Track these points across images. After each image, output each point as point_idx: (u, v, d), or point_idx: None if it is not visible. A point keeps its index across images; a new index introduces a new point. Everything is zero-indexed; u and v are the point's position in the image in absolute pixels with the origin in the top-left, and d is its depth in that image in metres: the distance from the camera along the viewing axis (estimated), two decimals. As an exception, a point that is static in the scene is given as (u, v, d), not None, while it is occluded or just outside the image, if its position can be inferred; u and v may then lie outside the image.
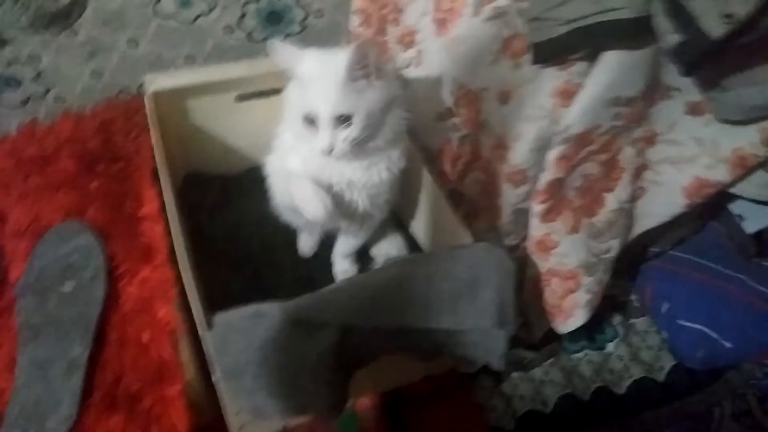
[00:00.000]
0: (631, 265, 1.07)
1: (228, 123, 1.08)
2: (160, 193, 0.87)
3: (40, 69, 1.05)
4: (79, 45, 1.03)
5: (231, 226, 1.09)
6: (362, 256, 1.02)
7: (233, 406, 0.75)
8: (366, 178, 0.82)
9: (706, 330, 0.98)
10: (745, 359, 1.00)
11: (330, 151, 0.76)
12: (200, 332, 0.73)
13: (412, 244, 1.02)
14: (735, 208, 1.05)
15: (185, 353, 0.79)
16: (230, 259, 1.06)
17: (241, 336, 0.69)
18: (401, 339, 0.74)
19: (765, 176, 0.84)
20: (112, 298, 0.82)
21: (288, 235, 1.05)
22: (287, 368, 0.68)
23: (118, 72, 1.09)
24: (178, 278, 0.82)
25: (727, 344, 0.97)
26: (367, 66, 0.73)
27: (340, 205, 0.84)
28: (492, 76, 0.85)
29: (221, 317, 0.71)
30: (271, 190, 0.93)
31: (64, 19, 1.00)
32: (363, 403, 0.94)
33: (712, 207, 1.05)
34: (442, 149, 1.01)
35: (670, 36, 0.63)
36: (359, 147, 0.77)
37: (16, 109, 1.09)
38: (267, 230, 1.07)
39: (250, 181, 1.11)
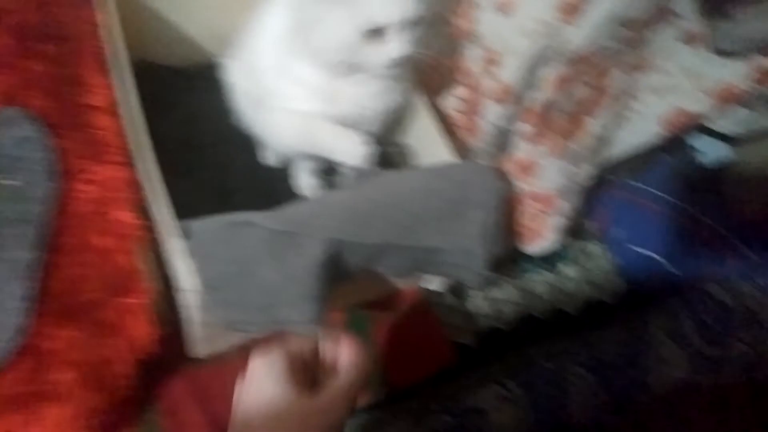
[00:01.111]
0: (590, 191, 1.09)
1: (184, 8, 0.96)
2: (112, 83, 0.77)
3: None
4: None
5: (184, 126, 1.00)
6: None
7: (206, 319, 0.70)
8: (383, 104, 0.77)
9: (656, 256, 1.03)
10: (686, 284, 1.06)
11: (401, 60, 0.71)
12: (165, 240, 0.67)
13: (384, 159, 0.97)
14: (693, 141, 1.08)
15: (148, 262, 0.73)
16: (182, 163, 0.98)
17: (222, 245, 0.64)
18: (387, 255, 0.72)
19: (741, 112, 0.86)
20: (63, 199, 0.73)
21: (246, 142, 0.97)
22: (272, 281, 0.64)
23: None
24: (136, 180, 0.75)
25: (672, 269, 1.03)
26: None
27: None
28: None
29: (200, 225, 0.66)
30: (274, 133, 0.84)
31: None
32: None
33: (672, 139, 1.07)
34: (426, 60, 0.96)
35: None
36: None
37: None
38: (224, 134, 0.99)
39: (207, 78, 1.01)
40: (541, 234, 0.91)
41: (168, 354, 0.80)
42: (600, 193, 1.11)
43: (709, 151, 1.06)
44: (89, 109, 0.79)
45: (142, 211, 0.75)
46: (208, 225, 0.66)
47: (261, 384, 0.55)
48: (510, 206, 0.92)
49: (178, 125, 1.00)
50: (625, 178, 1.09)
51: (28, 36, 0.81)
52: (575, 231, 1.10)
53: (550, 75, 0.78)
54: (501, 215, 0.75)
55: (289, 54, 0.76)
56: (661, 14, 0.77)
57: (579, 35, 0.75)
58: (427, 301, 0.95)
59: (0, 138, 0.74)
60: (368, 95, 0.78)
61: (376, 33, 0.70)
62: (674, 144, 1.11)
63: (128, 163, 0.76)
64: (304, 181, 0.96)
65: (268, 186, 0.98)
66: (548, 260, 1.05)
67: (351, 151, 0.75)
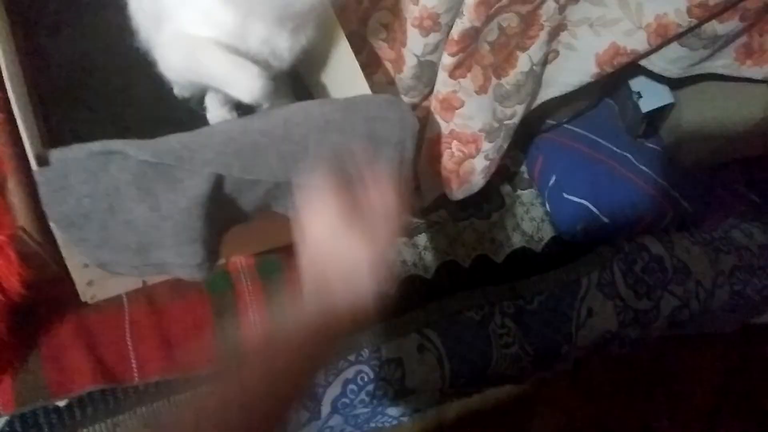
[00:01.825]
0: (524, 135, 1.04)
1: None
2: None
3: None
4: None
5: (78, 49, 0.89)
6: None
7: (77, 260, 0.63)
8: (292, 43, 0.68)
9: (588, 204, 0.99)
10: (619, 235, 1.03)
11: None
12: (33, 169, 0.59)
13: (300, 92, 0.89)
14: (634, 84, 1.03)
15: (16, 195, 0.65)
16: (77, 90, 0.88)
17: (86, 177, 0.56)
18: (283, 195, 0.65)
19: (678, 50, 0.81)
20: None
21: (148, 66, 0.88)
22: (143, 219, 0.57)
23: None
24: (7, 103, 0.66)
25: (605, 219, 0.99)
26: None
27: None
28: None
29: (60, 152, 0.57)
30: (162, 58, 0.74)
31: None
32: (235, 263, 0.85)
33: (612, 81, 1.02)
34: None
35: None
36: None
37: None
38: (123, 59, 0.89)
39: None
40: (467, 178, 0.85)
41: (47, 296, 0.73)
42: (534, 136, 1.06)
43: (650, 95, 1.01)
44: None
45: (16, 138, 0.66)
46: (68, 153, 0.58)
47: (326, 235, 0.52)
48: (432, 148, 0.86)
49: (73, 48, 0.90)
50: (560, 120, 1.04)
51: None
52: (508, 176, 1.06)
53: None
54: (412, 154, 0.69)
55: None
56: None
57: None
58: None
59: None
60: (280, 33, 0.69)
61: None
62: (613, 86, 1.06)
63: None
64: (214, 113, 0.87)
65: (176, 117, 0.89)
66: (478, 206, 1.00)
67: (245, 84, 0.65)
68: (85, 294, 0.75)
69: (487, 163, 0.84)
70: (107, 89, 0.88)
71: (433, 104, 0.82)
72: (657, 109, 1.01)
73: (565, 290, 1.01)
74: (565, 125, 1.06)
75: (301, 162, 0.63)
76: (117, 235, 0.58)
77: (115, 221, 0.57)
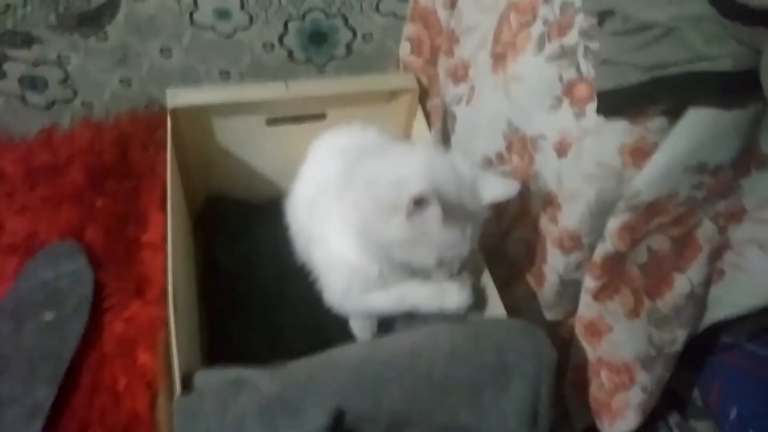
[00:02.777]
0: (696, 354, 0.91)
1: (256, 147, 0.99)
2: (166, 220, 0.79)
3: (68, 72, 0.99)
4: (109, 50, 0.97)
5: (245, 259, 1.00)
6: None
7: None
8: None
9: (786, 446, 0.82)
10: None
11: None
12: (175, 390, 0.63)
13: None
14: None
15: (164, 411, 0.69)
16: (240, 294, 0.97)
17: (217, 406, 0.58)
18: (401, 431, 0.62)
19: None
20: (92, 335, 0.73)
21: (305, 275, 0.94)
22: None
23: (148, 82, 1.02)
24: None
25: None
26: None
27: None
28: (550, 122, 0.73)
29: (202, 376, 0.61)
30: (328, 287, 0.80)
31: (94, 20, 0.94)
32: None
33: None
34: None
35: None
36: None
37: (41, 111, 1.04)
38: (284, 267, 0.97)
39: (274, 212, 1.01)
40: (620, 413, 0.75)
41: None
42: (710, 358, 0.93)
43: None
44: (140, 245, 0.80)
45: (168, 356, 0.73)
46: (208, 378, 0.61)
47: None
48: (579, 375, 0.78)
49: (242, 259, 1.01)
50: (739, 340, 0.90)
51: (99, 173, 0.86)
52: (678, 403, 0.92)
53: (614, 224, 0.68)
54: (551, 390, 0.63)
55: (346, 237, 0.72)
56: (753, 159, 0.65)
57: (647, 181, 0.64)
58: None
59: (51, 270, 0.77)
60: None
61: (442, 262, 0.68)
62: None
63: (163, 302, 0.74)
64: (359, 322, 0.89)
65: (322, 327, 0.93)
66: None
67: (456, 299, 0.71)
68: None
69: (645, 396, 0.74)
70: (265, 297, 0.96)
71: (578, 327, 0.76)
72: None
73: None
74: (746, 345, 0.92)
75: (427, 398, 0.60)
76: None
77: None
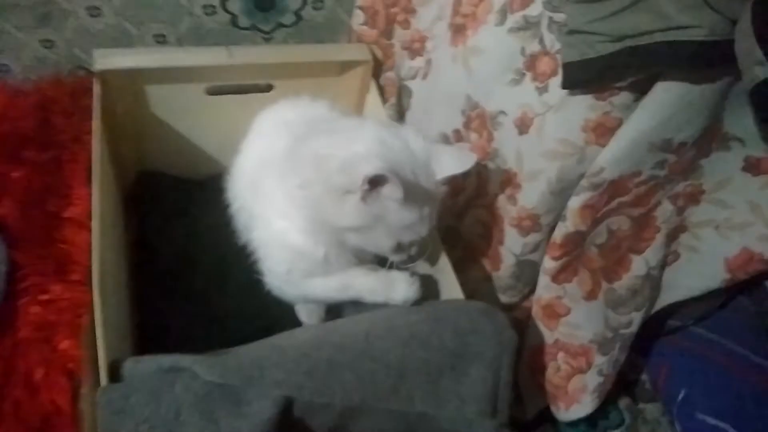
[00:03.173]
0: (644, 338, 0.91)
1: (195, 118, 0.92)
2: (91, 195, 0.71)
3: (-20, 30, 0.89)
4: (29, 5, 0.87)
5: (183, 240, 0.92)
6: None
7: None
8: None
9: (728, 428, 0.82)
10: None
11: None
12: (101, 381, 0.56)
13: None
14: (774, 283, 0.89)
15: (88, 404, 0.62)
16: (176, 277, 0.90)
17: (149, 398, 0.52)
18: (361, 420, 0.58)
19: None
20: (5, 320, 0.65)
21: (247, 257, 0.88)
22: (204, 447, 0.51)
23: (74, 44, 0.93)
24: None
25: (754, 449, 0.81)
26: None
27: None
28: (511, 98, 0.70)
29: (130, 367, 0.55)
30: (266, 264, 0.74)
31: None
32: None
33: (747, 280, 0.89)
34: (442, 178, 0.86)
35: (759, 68, 0.48)
36: None
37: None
38: (225, 249, 0.90)
39: (213, 190, 0.94)
40: (576, 397, 0.74)
41: None
42: (658, 341, 0.93)
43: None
44: (62, 222, 0.72)
45: (93, 341, 0.65)
46: (141, 367, 0.55)
47: None
48: (535, 358, 0.76)
49: (179, 240, 0.94)
50: (686, 322, 0.90)
51: (14, 142, 0.77)
52: (626, 385, 0.91)
53: (575, 203, 0.65)
54: (510, 374, 0.60)
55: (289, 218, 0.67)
56: (715, 138, 0.64)
57: (611, 159, 0.62)
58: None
59: (-43, 250, 0.68)
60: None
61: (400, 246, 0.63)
62: (748, 285, 0.92)
63: (88, 284, 0.67)
64: (305, 308, 0.84)
65: (268, 314, 0.87)
66: (594, 423, 0.86)
67: (402, 292, 0.65)
68: None
69: (601, 379, 0.73)
70: (204, 280, 0.89)
71: (535, 309, 0.74)
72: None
73: None
74: (693, 328, 0.92)
75: (382, 384, 0.56)
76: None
77: (173, 448, 0.51)
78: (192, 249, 0.92)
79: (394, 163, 0.58)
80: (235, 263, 0.89)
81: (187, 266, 0.91)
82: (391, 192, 0.57)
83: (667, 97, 0.58)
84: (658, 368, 0.91)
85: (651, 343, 0.93)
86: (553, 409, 0.76)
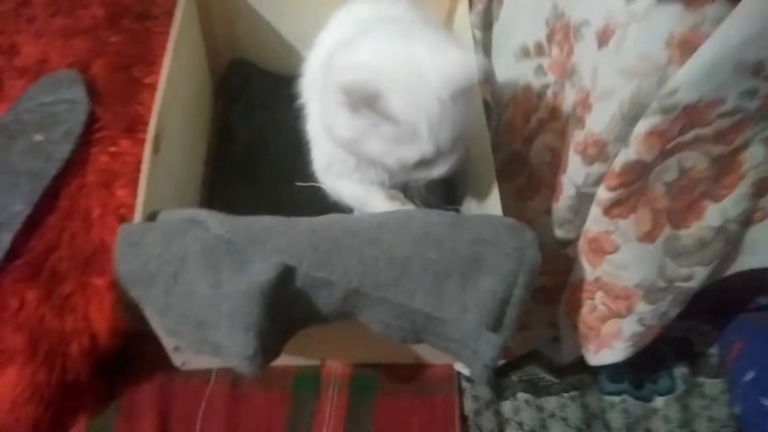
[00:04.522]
0: (722, 308, 0.82)
1: (289, 13, 0.93)
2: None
3: None
4: None
5: (260, 131, 0.96)
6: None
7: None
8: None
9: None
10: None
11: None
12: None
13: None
14: None
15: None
16: (249, 163, 0.94)
17: (161, 239, 0.56)
18: (360, 305, 0.58)
19: None
20: (78, 163, 0.72)
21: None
22: (203, 294, 0.54)
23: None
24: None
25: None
26: None
27: None
28: (598, 4, 0.63)
29: (163, 215, 0.59)
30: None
31: None
32: (330, 368, 0.79)
33: None
34: (515, 96, 0.80)
35: None
36: None
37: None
38: (295, 147, 0.93)
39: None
40: (607, 341, 0.68)
41: (135, 353, 0.74)
42: (738, 317, 0.83)
43: None
44: (142, 87, 0.78)
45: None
46: (169, 215, 0.59)
47: None
48: (573, 295, 0.71)
49: (258, 130, 0.97)
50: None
51: (117, 10, 0.84)
52: (690, 355, 0.83)
53: (642, 127, 0.58)
54: (524, 293, 0.56)
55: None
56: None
57: (684, 77, 0.54)
58: (452, 389, 0.77)
59: (51, 95, 0.75)
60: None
61: (422, 162, 0.59)
62: None
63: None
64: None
65: (328, 208, 0.89)
66: (639, 383, 0.79)
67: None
68: (176, 359, 0.75)
69: (641, 329, 0.66)
70: (272, 172, 0.92)
71: (581, 243, 0.68)
72: None
73: None
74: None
75: (383, 272, 0.55)
76: (178, 304, 0.56)
77: (177, 289, 0.55)
78: (267, 141, 0.96)
79: (393, 75, 0.55)
80: (303, 159, 0.92)
81: (259, 156, 0.95)
82: (379, 104, 0.54)
83: (765, 4, 0.48)
84: (732, 344, 0.81)
85: (731, 317, 0.83)
86: (583, 351, 0.71)
